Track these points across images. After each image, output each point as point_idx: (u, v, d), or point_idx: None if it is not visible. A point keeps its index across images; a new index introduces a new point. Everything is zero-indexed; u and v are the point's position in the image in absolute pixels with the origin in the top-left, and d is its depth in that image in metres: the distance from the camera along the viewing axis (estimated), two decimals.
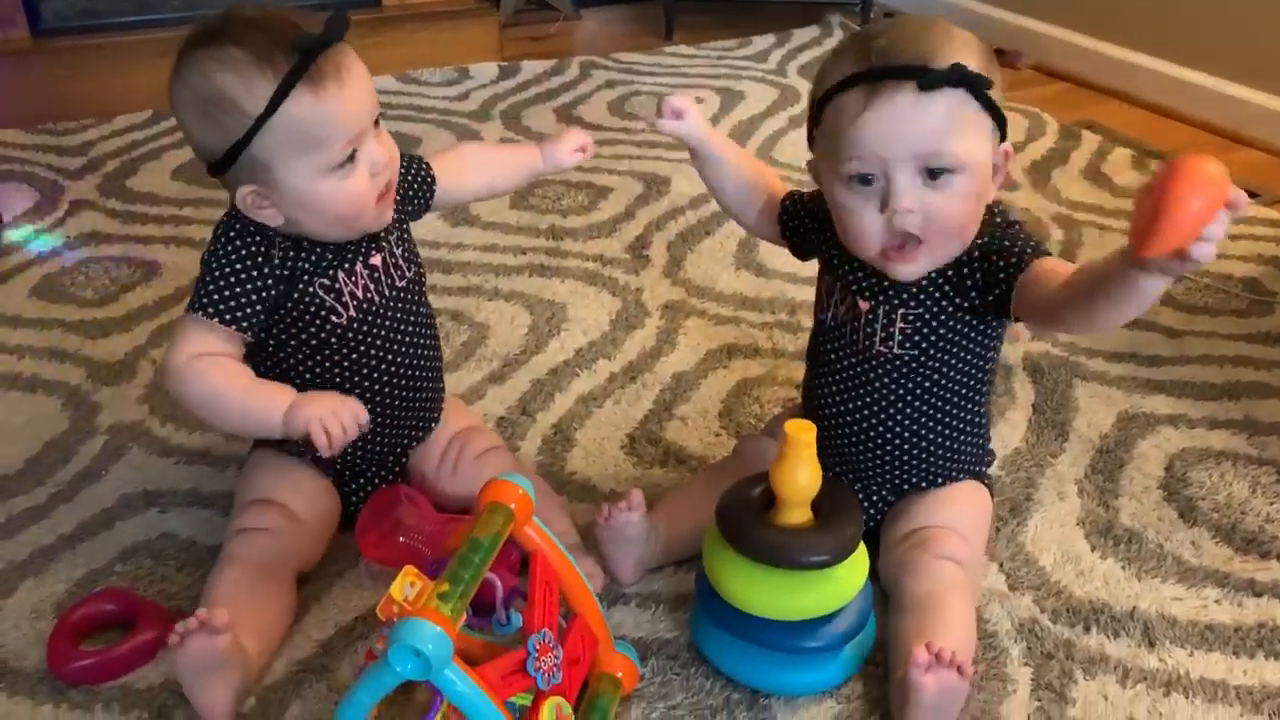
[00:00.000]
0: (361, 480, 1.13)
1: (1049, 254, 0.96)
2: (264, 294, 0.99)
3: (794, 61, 2.66)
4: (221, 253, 0.99)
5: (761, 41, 2.79)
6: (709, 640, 0.99)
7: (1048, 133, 2.22)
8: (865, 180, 0.94)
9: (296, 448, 1.08)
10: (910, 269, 0.97)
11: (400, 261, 1.08)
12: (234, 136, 0.93)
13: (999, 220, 0.99)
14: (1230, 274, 1.68)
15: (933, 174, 0.92)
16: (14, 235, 1.40)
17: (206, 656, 0.87)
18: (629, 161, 2.07)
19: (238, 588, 0.98)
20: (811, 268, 1.12)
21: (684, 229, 1.81)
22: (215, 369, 0.96)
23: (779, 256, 1.50)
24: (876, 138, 0.91)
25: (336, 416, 0.93)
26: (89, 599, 1.04)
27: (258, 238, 0.99)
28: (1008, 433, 1.31)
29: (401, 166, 1.08)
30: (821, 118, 0.97)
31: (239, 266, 0.98)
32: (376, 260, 1.05)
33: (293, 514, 1.06)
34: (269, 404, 0.94)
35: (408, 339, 1.09)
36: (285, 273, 1.00)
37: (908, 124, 0.91)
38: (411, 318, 1.09)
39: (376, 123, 1.00)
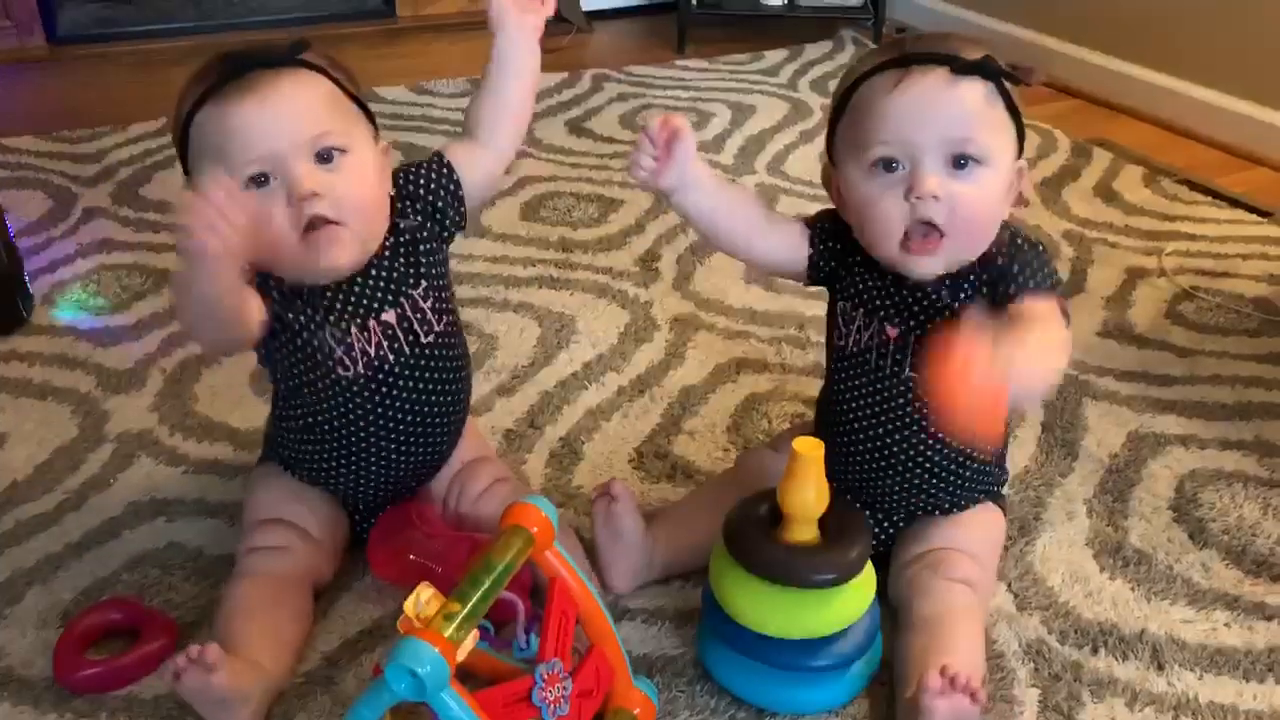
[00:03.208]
0: (370, 508, 1.11)
1: (1055, 292, 0.95)
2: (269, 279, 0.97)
3: (805, 76, 2.66)
4: None
5: (774, 56, 2.79)
6: (715, 657, 0.98)
7: (1059, 149, 2.22)
8: (889, 166, 0.93)
9: (307, 474, 1.08)
10: (929, 263, 0.95)
11: (429, 315, 1.02)
12: (175, 139, 0.97)
13: (1021, 243, 0.98)
14: (1242, 293, 1.68)
15: (959, 164, 0.92)
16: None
17: (205, 691, 0.86)
18: None
19: (253, 602, 0.98)
20: None
21: (694, 242, 1.81)
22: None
23: None
24: (906, 117, 0.91)
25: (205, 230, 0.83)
26: (95, 608, 1.04)
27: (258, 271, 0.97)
28: (1016, 451, 1.30)
29: (426, 190, 1.03)
30: (846, 109, 0.97)
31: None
32: (391, 316, 1.00)
33: (305, 532, 1.05)
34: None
35: (430, 394, 1.04)
36: (289, 304, 0.97)
37: (938, 105, 0.91)
38: (437, 374, 1.04)
39: (333, 155, 0.94)
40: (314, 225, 0.93)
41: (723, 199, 1.02)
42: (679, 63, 2.77)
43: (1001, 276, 0.96)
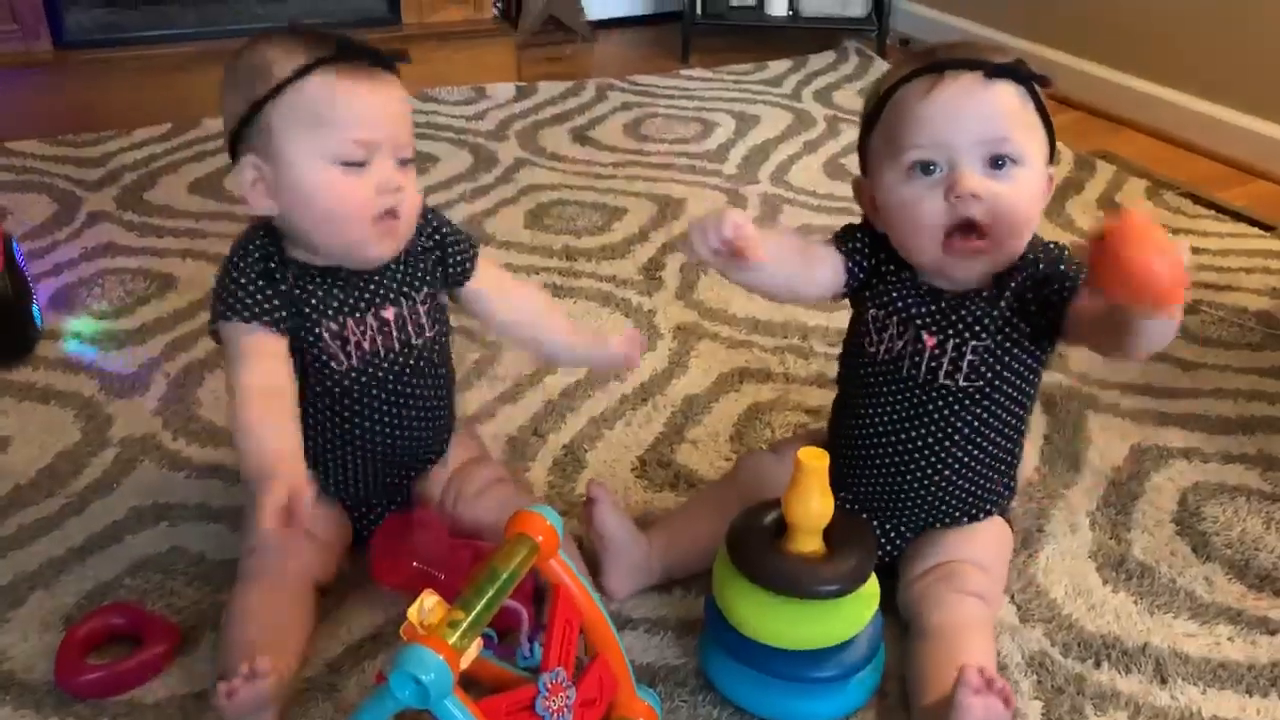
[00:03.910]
0: (368, 507, 1.12)
1: None
2: (281, 304, 0.99)
3: (809, 87, 2.66)
4: (240, 262, 0.99)
5: (777, 66, 2.80)
6: (717, 668, 0.98)
7: (1063, 162, 2.22)
8: (927, 169, 0.94)
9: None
10: (972, 265, 0.96)
11: (423, 320, 1.06)
12: (256, 95, 0.95)
13: (1050, 245, 0.99)
14: (1245, 307, 1.68)
15: (996, 164, 0.93)
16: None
17: (254, 703, 0.87)
18: (643, 183, 2.08)
19: (259, 603, 0.98)
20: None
21: None
22: (257, 404, 0.94)
23: None
24: (942, 120, 0.92)
25: (276, 512, 0.86)
26: (97, 612, 1.04)
27: (270, 250, 1.00)
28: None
29: (449, 230, 1.08)
30: (880, 117, 0.97)
31: (257, 271, 0.99)
32: (389, 314, 1.03)
33: (310, 533, 1.05)
34: (264, 465, 0.90)
35: (414, 392, 1.07)
36: (297, 292, 1.00)
37: (974, 106, 0.92)
38: (421, 376, 1.07)
39: (407, 164, 0.99)
40: (386, 215, 0.98)
41: (768, 265, 0.95)
42: (683, 72, 2.77)
43: (1046, 280, 0.96)
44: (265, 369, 0.97)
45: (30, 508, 1.21)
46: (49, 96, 2.32)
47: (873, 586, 0.96)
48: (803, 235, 1.10)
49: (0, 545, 1.15)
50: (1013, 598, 1.10)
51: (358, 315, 1.02)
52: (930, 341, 0.99)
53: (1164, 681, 1.01)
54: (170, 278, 1.70)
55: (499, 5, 2.81)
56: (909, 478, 1.04)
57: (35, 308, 1.50)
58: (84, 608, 1.07)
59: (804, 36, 2.99)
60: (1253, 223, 1.97)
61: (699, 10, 2.95)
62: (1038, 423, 1.38)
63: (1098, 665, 1.03)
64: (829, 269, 1.03)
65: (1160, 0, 2.40)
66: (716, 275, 1.73)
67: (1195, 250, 1.86)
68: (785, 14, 2.96)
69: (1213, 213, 2.01)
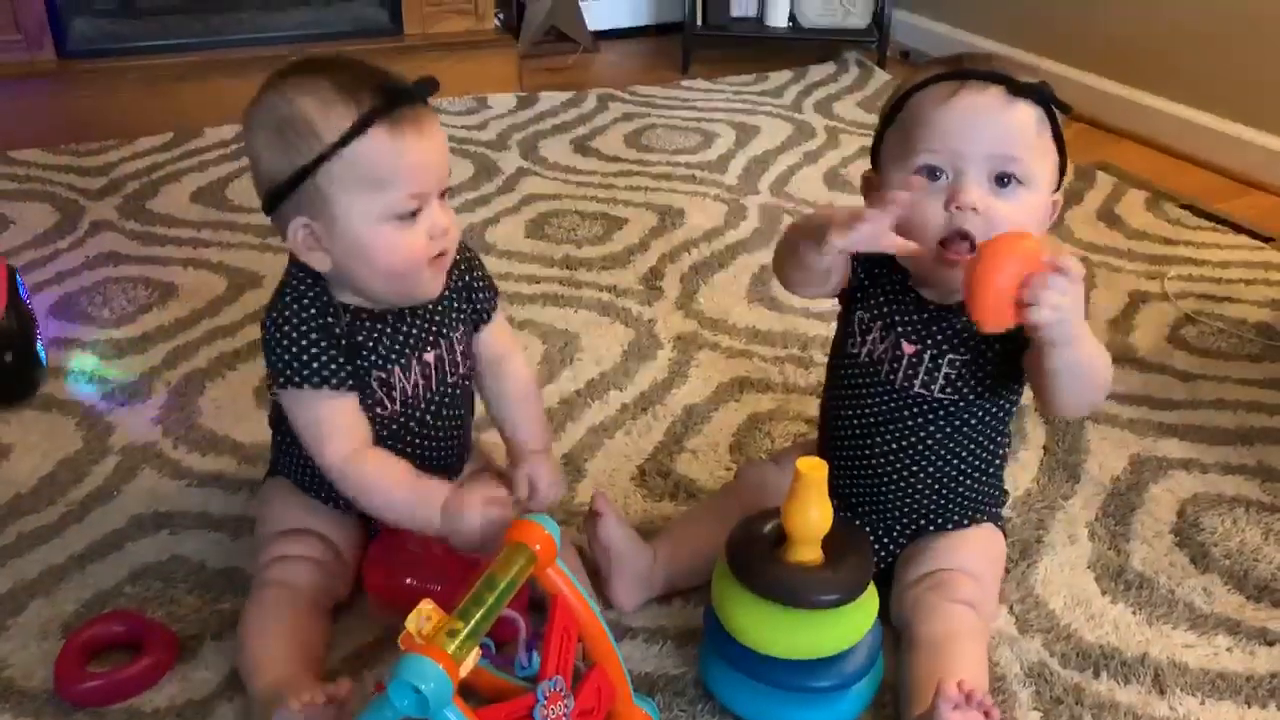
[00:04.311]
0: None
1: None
2: (346, 360, 0.97)
3: (809, 98, 2.67)
4: (295, 318, 0.95)
5: (778, 77, 2.81)
6: (717, 677, 0.98)
7: None
8: (933, 175, 0.94)
9: (317, 490, 1.08)
10: (959, 276, 0.94)
11: (458, 358, 1.05)
12: (302, 160, 0.91)
13: None
14: (1244, 318, 1.68)
15: (1001, 181, 0.93)
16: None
17: None
18: (644, 193, 2.08)
19: (279, 619, 0.98)
20: (825, 302, 1.12)
21: (697, 261, 1.82)
22: (376, 467, 0.97)
23: None
24: (956, 128, 0.93)
25: (488, 513, 0.93)
26: (97, 620, 1.04)
27: (324, 299, 0.97)
28: (1019, 473, 1.30)
29: (479, 274, 1.07)
30: (896, 117, 0.98)
31: (312, 325, 0.95)
32: (430, 357, 1.03)
33: (329, 544, 1.05)
34: (430, 499, 0.95)
35: (444, 425, 1.07)
36: (351, 340, 0.98)
37: (990, 121, 0.93)
38: (452, 410, 1.07)
39: (444, 195, 0.97)
40: (439, 255, 0.97)
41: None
42: (684, 83, 2.78)
43: None
44: (344, 421, 0.97)
45: (31, 515, 1.21)
46: (52, 106, 2.33)
47: (871, 596, 0.96)
48: None
49: (0, 553, 1.15)
50: (1011, 608, 1.10)
51: (404, 362, 1.01)
52: (909, 349, 1.00)
53: (1163, 692, 1.01)
54: (172, 286, 1.70)
55: (501, 16, 2.82)
56: (887, 480, 1.05)
57: (40, 347, 1.44)
58: (84, 616, 1.07)
59: (804, 48, 3.00)
60: (1252, 234, 1.98)
61: (700, 21, 2.96)
62: (1036, 433, 1.38)
63: (1096, 676, 1.03)
64: (842, 260, 1.03)
65: (1160, 12, 2.41)
66: (717, 285, 1.75)
67: (1195, 262, 1.87)
68: (786, 25, 2.97)
69: (1212, 224, 2.02)
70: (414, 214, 0.94)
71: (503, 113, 2.51)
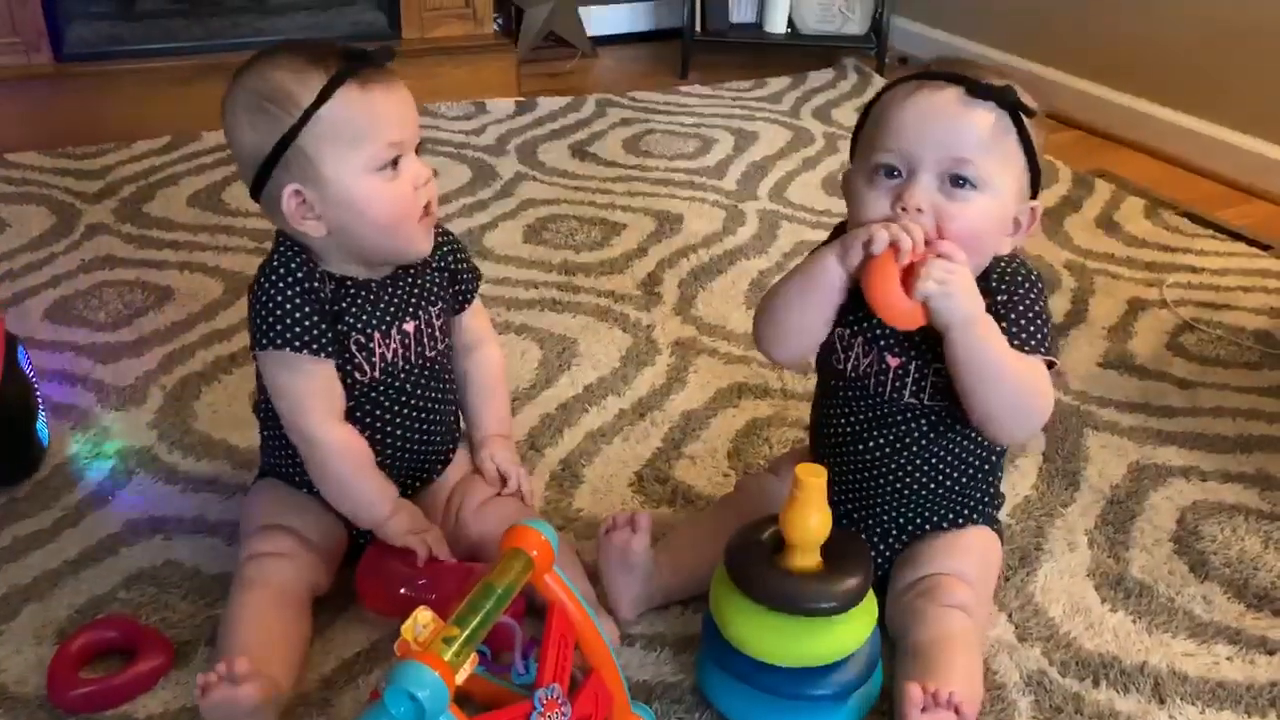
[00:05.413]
0: None
1: (1048, 359, 0.96)
2: (328, 326, 1.00)
3: (808, 104, 2.67)
4: (280, 282, 0.99)
5: (776, 83, 2.81)
6: (714, 685, 0.98)
7: (1061, 180, 2.23)
8: (889, 173, 0.95)
9: (301, 482, 1.08)
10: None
11: (437, 333, 1.09)
12: (284, 127, 0.96)
13: (1022, 287, 0.98)
14: (1242, 326, 1.68)
15: (955, 183, 0.93)
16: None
17: (231, 706, 0.86)
18: (642, 199, 2.08)
19: (258, 613, 0.98)
20: None
21: (696, 267, 1.81)
22: (343, 440, 1.02)
23: None
24: (910, 128, 0.93)
25: (423, 540, 1.04)
26: (91, 626, 1.03)
27: (310, 267, 1.01)
28: (1018, 480, 1.30)
29: (462, 257, 1.13)
30: (869, 114, 0.99)
31: (296, 290, 0.99)
32: (410, 327, 1.06)
33: (305, 539, 1.05)
34: (377, 503, 1.05)
35: (426, 402, 1.10)
36: (333, 307, 1.01)
37: (947, 119, 0.93)
38: (434, 384, 1.10)
39: (418, 150, 1.03)
40: (425, 211, 1.03)
41: None
42: (682, 88, 2.78)
43: (1000, 317, 0.95)
44: (331, 407, 1.02)
45: (26, 520, 1.20)
46: (49, 109, 2.32)
47: (870, 603, 0.95)
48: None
49: None
50: (1010, 616, 1.10)
51: (384, 329, 1.04)
52: (894, 362, 1.00)
53: (1162, 701, 1.01)
54: (168, 290, 1.70)
55: (499, 21, 2.82)
56: (884, 486, 1.05)
57: (42, 424, 1.29)
58: (77, 621, 1.06)
59: (803, 54, 3.01)
60: (1251, 242, 1.98)
61: (699, 27, 2.96)
62: (1035, 439, 1.38)
63: (1096, 684, 1.02)
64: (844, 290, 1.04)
65: (1159, 20, 2.41)
66: (715, 291, 1.74)
67: (1194, 269, 1.87)
68: (784, 31, 2.97)
69: (1211, 232, 2.02)
70: (395, 163, 0.99)
71: (501, 118, 2.51)
